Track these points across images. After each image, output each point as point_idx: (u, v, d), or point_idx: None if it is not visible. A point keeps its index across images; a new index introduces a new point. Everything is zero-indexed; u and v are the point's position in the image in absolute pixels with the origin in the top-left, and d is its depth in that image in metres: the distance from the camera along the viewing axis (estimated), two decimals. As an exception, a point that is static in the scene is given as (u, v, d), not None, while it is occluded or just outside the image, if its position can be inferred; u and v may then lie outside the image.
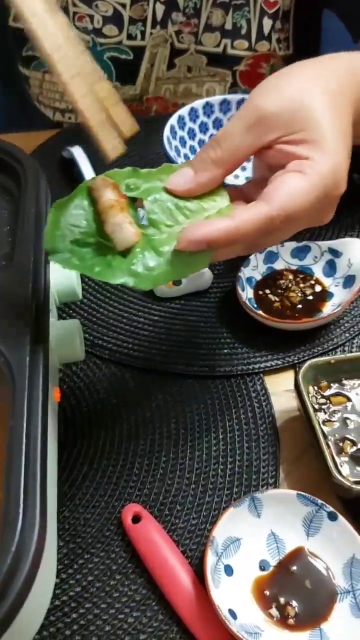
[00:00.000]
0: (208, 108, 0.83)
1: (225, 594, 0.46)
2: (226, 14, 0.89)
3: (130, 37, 0.90)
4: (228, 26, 0.90)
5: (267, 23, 0.90)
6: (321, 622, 0.47)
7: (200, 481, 0.55)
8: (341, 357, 0.58)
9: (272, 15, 0.90)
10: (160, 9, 0.88)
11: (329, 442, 0.54)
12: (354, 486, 0.49)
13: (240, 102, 0.83)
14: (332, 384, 0.58)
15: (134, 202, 0.46)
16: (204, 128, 0.83)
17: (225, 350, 0.65)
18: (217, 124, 0.84)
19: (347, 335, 0.66)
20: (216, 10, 0.89)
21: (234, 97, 0.83)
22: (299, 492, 0.50)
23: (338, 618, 0.46)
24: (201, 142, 0.83)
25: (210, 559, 0.47)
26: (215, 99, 0.83)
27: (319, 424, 0.54)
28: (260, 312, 0.66)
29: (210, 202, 0.47)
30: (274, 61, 0.95)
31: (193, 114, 0.82)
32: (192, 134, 0.82)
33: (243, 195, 0.50)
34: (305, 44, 0.98)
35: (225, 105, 0.83)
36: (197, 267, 0.44)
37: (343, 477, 0.51)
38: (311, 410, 0.54)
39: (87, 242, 0.43)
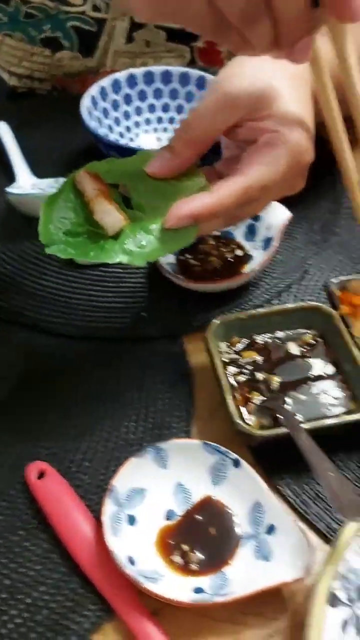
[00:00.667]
0: (131, 80, 0.83)
1: (126, 542, 0.46)
2: None
3: (95, 8, 0.90)
4: None
5: None
6: (224, 566, 0.47)
7: (112, 439, 0.55)
8: (251, 312, 0.59)
9: None
10: None
11: (236, 394, 0.55)
12: (254, 431, 0.50)
13: (164, 74, 0.83)
14: (242, 339, 0.59)
15: (117, 189, 0.50)
16: (128, 99, 0.83)
17: (144, 314, 0.65)
18: (142, 95, 0.84)
19: (265, 296, 0.67)
20: None
21: (157, 69, 0.83)
22: (204, 442, 0.50)
23: (240, 561, 0.47)
24: (126, 114, 0.83)
25: (109, 508, 0.46)
26: (139, 71, 0.83)
27: (226, 376, 0.54)
28: (179, 275, 0.66)
29: (187, 181, 0.50)
30: None
31: (116, 85, 0.82)
32: (115, 105, 0.82)
33: (217, 174, 0.53)
34: None
35: (148, 78, 0.83)
36: (185, 241, 0.48)
37: (248, 425, 0.51)
38: (217, 362, 0.54)
39: (78, 231, 0.48)
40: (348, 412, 0.53)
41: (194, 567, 0.46)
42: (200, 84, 0.82)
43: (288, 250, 0.71)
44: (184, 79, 0.83)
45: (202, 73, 0.82)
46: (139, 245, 0.47)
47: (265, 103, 0.49)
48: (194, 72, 0.83)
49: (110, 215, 0.47)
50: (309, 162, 0.52)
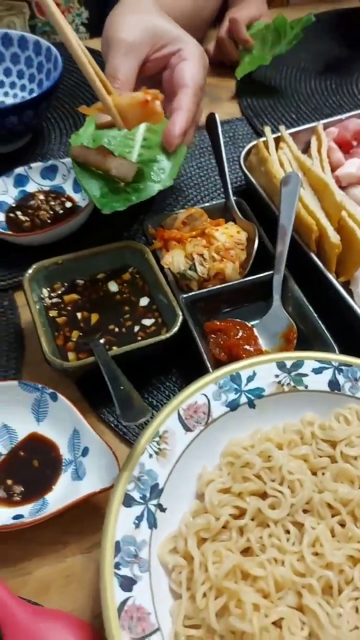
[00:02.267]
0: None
1: None
2: None
3: None
4: None
5: None
6: (46, 493, 0.49)
7: None
8: (67, 256, 0.61)
9: None
10: None
11: (57, 334, 0.57)
12: (65, 364, 0.52)
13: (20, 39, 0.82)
14: (65, 284, 0.61)
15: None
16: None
17: (-27, 273, 0.66)
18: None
19: (94, 243, 0.68)
20: None
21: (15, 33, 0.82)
22: (21, 381, 0.53)
23: (61, 486, 0.49)
24: None
25: None
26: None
27: (45, 320, 0.57)
28: (8, 232, 0.67)
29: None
30: None
31: None
32: None
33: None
34: None
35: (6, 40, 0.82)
36: (183, 153, 0.58)
37: (66, 360, 0.54)
38: (33, 307, 0.56)
39: (105, 192, 0.56)
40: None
41: (17, 498, 0.49)
42: (23, 45, 0.81)
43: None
44: (7, 40, 0.82)
45: (22, 33, 0.82)
46: (161, 173, 0.56)
47: (157, 38, 0.63)
48: (15, 33, 0.82)
49: (124, 166, 0.55)
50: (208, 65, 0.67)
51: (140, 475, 0.45)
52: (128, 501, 0.43)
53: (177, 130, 0.57)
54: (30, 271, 0.59)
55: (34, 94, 0.82)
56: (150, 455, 0.46)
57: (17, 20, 0.97)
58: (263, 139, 0.71)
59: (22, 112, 0.71)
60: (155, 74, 0.65)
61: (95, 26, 1.03)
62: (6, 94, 0.84)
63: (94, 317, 0.59)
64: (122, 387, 0.47)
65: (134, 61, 0.62)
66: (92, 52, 0.54)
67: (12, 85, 0.84)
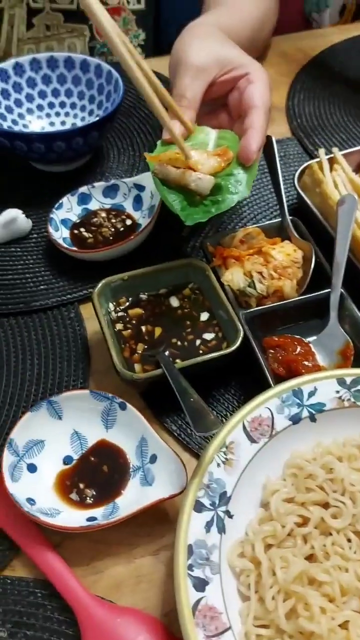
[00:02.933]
0: (18, 68, 0.86)
1: (26, 487, 0.51)
2: None
3: None
4: None
5: None
6: (116, 497, 0.53)
7: (14, 402, 0.60)
8: (132, 272, 0.64)
9: None
10: None
11: (124, 347, 0.60)
12: (135, 376, 0.55)
13: (50, 60, 0.86)
14: (129, 299, 0.64)
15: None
16: (17, 88, 0.86)
17: (42, 287, 0.70)
18: (31, 83, 0.87)
19: (154, 260, 0.72)
20: None
21: (42, 56, 0.86)
22: (92, 390, 0.56)
23: (130, 490, 0.53)
24: (17, 101, 0.86)
25: (7, 458, 0.52)
26: (25, 59, 0.86)
27: (112, 333, 0.60)
28: (73, 248, 0.71)
29: (202, 134, 0.64)
30: (125, 15, 1.00)
31: (3, 75, 0.85)
32: (5, 94, 0.85)
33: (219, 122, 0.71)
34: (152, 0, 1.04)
35: (35, 65, 0.87)
36: (256, 167, 0.62)
37: (133, 372, 0.57)
38: (102, 319, 0.60)
39: (184, 205, 0.59)
40: (221, 351, 0.59)
41: (89, 501, 0.52)
42: (85, 67, 0.86)
43: (176, 216, 0.77)
44: (69, 63, 0.87)
45: (85, 57, 0.86)
46: (238, 185, 0.60)
47: (225, 62, 0.68)
48: (78, 57, 0.86)
49: (202, 180, 0.58)
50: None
51: (209, 483, 0.47)
52: (199, 507, 0.46)
53: (254, 146, 0.61)
54: (99, 286, 0.62)
55: (95, 115, 0.86)
56: (218, 465, 0.48)
57: (78, 42, 1.02)
58: (316, 160, 0.74)
59: (87, 134, 0.75)
60: (220, 96, 0.69)
61: (150, 47, 1.07)
62: (67, 114, 0.89)
63: (158, 331, 0.62)
64: (192, 399, 0.50)
65: (201, 83, 0.66)
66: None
67: (73, 105, 0.88)
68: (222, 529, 0.46)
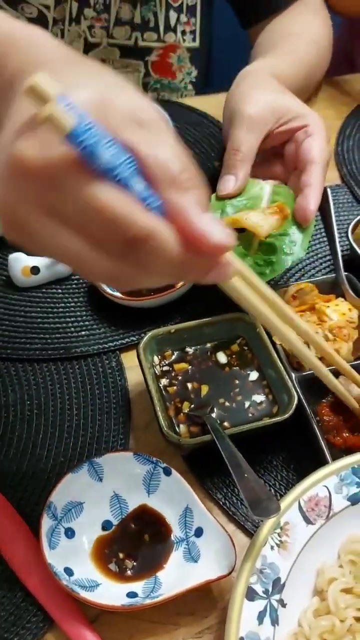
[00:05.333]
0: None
1: (63, 554, 0.49)
2: (134, 8, 0.94)
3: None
4: (137, 20, 0.95)
5: (173, 16, 0.97)
6: (158, 570, 0.49)
7: (51, 456, 0.57)
8: (180, 325, 0.62)
9: (176, 8, 0.96)
10: (74, 6, 0.92)
11: (169, 404, 0.57)
12: (181, 440, 0.52)
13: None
14: (175, 352, 0.62)
15: None
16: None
17: (83, 332, 0.67)
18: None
19: (199, 309, 0.69)
20: (124, 5, 0.93)
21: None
22: (136, 452, 0.53)
23: (172, 564, 0.49)
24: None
25: (46, 523, 0.49)
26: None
27: (157, 389, 0.57)
28: (116, 293, 0.68)
29: (255, 188, 0.64)
30: (180, 52, 1.00)
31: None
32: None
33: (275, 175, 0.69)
34: (207, 37, 1.04)
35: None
36: (313, 226, 0.62)
37: (178, 434, 0.54)
38: (148, 375, 0.57)
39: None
40: (271, 416, 0.56)
41: (129, 573, 0.49)
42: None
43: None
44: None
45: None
46: (292, 245, 0.59)
47: (281, 114, 0.66)
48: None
49: (267, 219, 0.58)
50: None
51: (262, 567, 0.44)
52: (251, 595, 0.43)
53: (312, 205, 0.60)
54: (145, 339, 0.60)
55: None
56: (272, 547, 0.45)
57: (132, 77, 1.01)
58: (372, 212, 0.71)
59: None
60: (276, 146, 0.68)
61: (200, 83, 1.06)
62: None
63: (204, 389, 0.59)
64: (247, 476, 0.47)
65: (257, 135, 0.65)
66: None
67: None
68: (275, 621, 0.43)
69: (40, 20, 0.91)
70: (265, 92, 0.69)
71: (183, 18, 0.97)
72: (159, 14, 0.95)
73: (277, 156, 0.69)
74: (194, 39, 1.00)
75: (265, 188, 0.64)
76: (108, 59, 0.97)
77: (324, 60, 0.93)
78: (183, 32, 0.99)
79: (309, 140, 0.64)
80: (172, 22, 0.97)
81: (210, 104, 0.99)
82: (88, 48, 0.96)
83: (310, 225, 0.61)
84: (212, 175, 0.84)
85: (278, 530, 0.46)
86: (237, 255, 0.57)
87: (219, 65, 1.16)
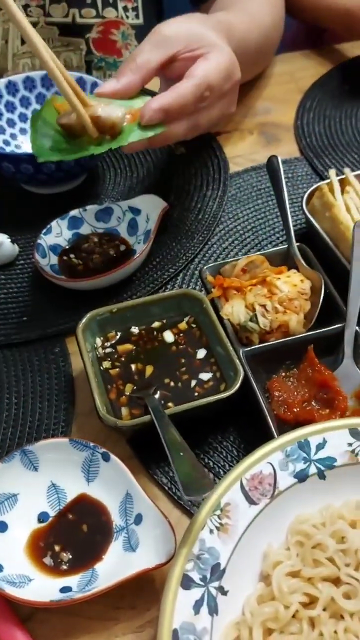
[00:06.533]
0: (12, 87, 0.82)
1: (-7, 550, 0.45)
2: None
3: None
4: None
5: None
6: (95, 562, 0.46)
7: (-11, 447, 0.54)
8: (122, 304, 0.58)
9: None
10: None
11: (110, 387, 0.54)
12: (119, 423, 0.49)
13: (43, 77, 0.82)
14: (118, 333, 0.58)
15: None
16: (10, 107, 0.82)
17: (25, 318, 0.64)
18: (24, 102, 0.83)
19: (148, 289, 0.66)
20: None
21: (37, 74, 0.82)
22: (72, 439, 0.50)
23: (111, 555, 0.46)
24: (10, 121, 0.82)
25: (-27, 517, 0.45)
26: (18, 77, 0.82)
27: (97, 371, 0.54)
28: (61, 276, 0.65)
29: (138, 101, 0.59)
30: (124, 29, 0.97)
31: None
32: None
33: None
34: (152, 14, 1.01)
35: (29, 83, 0.83)
36: (157, 132, 0.57)
37: (120, 418, 0.51)
38: (85, 357, 0.54)
39: (60, 148, 0.56)
40: (218, 394, 0.52)
41: (64, 567, 0.46)
42: (80, 84, 0.81)
43: (172, 242, 0.71)
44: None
45: (80, 74, 0.81)
46: (117, 138, 0.56)
47: (193, 39, 0.63)
48: (73, 74, 0.81)
49: (109, 107, 0.55)
50: (238, 81, 0.67)
51: (200, 553, 0.41)
52: (187, 583, 0.40)
53: (156, 104, 0.56)
54: (84, 320, 0.56)
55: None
56: (211, 531, 0.42)
57: (74, 56, 0.98)
58: (327, 181, 0.68)
59: (78, 154, 0.70)
60: (176, 78, 0.63)
61: None
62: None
63: (149, 370, 0.56)
64: (181, 454, 0.43)
65: (159, 53, 0.62)
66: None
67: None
68: (214, 610, 0.39)
69: None
70: (186, 20, 0.66)
71: None
72: None
73: None
74: (137, 16, 0.97)
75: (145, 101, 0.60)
76: (47, 38, 0.94)
77: (279, 24, 0.90)
78: (125, 9, 0.96)
79: (199, 60, 0.62)
80: None
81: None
82: None
83: (151, 129, 0.57)
84: (174, 159, 0.82)
85: (218, 512, 0.42)
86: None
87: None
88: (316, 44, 1.18)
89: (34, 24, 0.92)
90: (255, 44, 0.80)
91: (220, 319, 0.57)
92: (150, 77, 0.62)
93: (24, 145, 0.82)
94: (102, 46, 0.97)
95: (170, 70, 0.63)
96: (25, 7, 0.91)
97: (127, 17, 0.96)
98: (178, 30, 0.63)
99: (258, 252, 0.63)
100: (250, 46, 0.76)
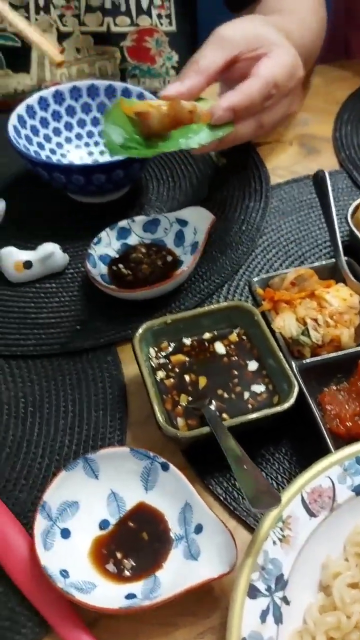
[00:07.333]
0: (58, 96, 0.83)
1: (59, 555, 0.47)
2: None
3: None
4: (107, 5, 0.93)
5: None
6: (156, 569, 0.47)
7: (47, 454, 0.56)
8: (176, 316, 0.60)
9: None
10: None
11: (166, 397, 0.56)
12: (179, 434, 0.51)
13: (89, 87, 0.84)
14: (171, 343, 0.60)
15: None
16: (56, 116, 0.84)
17: (78, 327, 0.66)
18: (70, 111, 0.84)
19: (196, 299, 0.68)
20: None
21: (83, 84, 0.84)
22: (132, 448, 0.51)
23: (171, 563, 0.47)
24: (56, 130, 0.84)
25: (40, 523, 0.47)
26: (65, 87, 0.83)
27: (154, 382, 0.55)
28: (112, 286, 0.67)
29: (206, 104, 0.60)
30: (158, 36, 0.98)
31: (43, 102, 0.82)
32: (44, 122, 0.83)
33: None
34: (185, 21, 1.02)
35: (75, 93, 0.84)
36: (227, 132, 0.59)
37: (176, 427, 0.53)
38: (144, 368, 0.55)
39: (129, 145, 0.58)
40: (271, 407, 0.54)
41: (127, 573, 0.47)
42: (126, 95, 0.83)
43: (217, 253, 0.73)
44: (110, 91, 0.84)
45: (126, 85, 0.83)
46: (191, 134, 0.57)
47: (255, 40, 0.64)
48: (119, 85, 0.83)
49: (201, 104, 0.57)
50: (301, 79, 0.68)
51: (264, 564, 0.42)
52: (253, 593, 0.41)
53: (225, 104, 0.56)
54: (140, 331, 0.58)
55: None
56: (274, 542, 0.43)
57: (109, 64, 0.99)
58: (372, 195, 0.69)
59: (128, 166, 0.72)
60: (245, 76, 0.64)
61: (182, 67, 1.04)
62: (96, 144, 0.85)
63: (202, 381, 0.57)
64: (245, 467, 0.45)
65: (222, 54, 0.62)
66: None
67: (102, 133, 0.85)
68: (279, 619, 0.41)
69: None
70: (246, 21, 0.67)
71: (157, 1, 0.95)
72: None
73: None
74: (170, 23, 0.98)
75: (210, 104, 0.61)
76: (82, 47, 0.95)
77: (323, 32, 0.91)
78: (159, 16, 0.97)
79: (264, 59, 0.62)
80: (144, 5, 0.95)
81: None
82: (61, 37, 0.94)
83: (221, 129, 0.58)
84: (215, 171, 0.83)
85: (280, 524, 0.44)
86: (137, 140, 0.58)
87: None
88: (349, 55, 1.19)
89: (69, 34, 0.94)
90: (307, 50, 0.81)
91: (272, 331, 0.58)
92: (214, 79, 0.62)
93: (70, 154, 0.84)
94: (136, 54, 0.99)
95: (232, 72, 0.64)
96: (61, 17, 0.93)
97: (161, 24, 0.97)
98: (239, 31, 0.64)
99: (305, 265, 0.64)
100: (303, 52, 0.76)
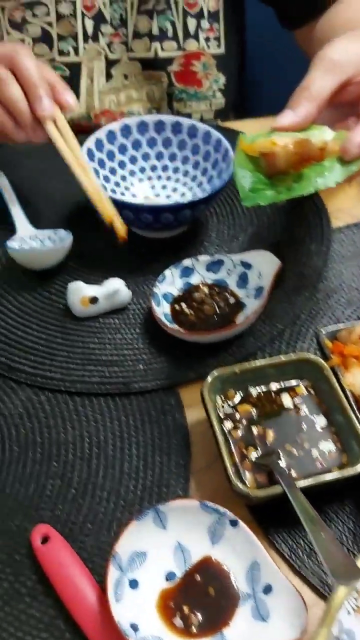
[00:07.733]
0: (126, 130, 0.85)
1: (128, 607, 0.47)
2: (151, 19, 0.94)
3: (62, 53, 0.93)
4: (155, 31, 0.95)
5: (192, 22, 0.96)
6: (223, 627, 0.48)
7: (112, 499, 0.56)
8: (245, 365, 0.60)
9: (195, 15, 0.95)
10: (89, 24, 0.92)
11: (233, 450, 0.56)
12: (251, 493, 0.51)
13: (158, 123, 0.85)
14: (238, 393, 0.60)
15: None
16: (122, 149, 0.85)
17: (141, 366, 0.66)
18: (136, 145, 0.85)
19: (258, 344, 0.68)
20: (141, 17, 0.93)
21: (150, 118, 0.85)
22: (202, 502, 0.52)
23: (239, 621, 0.48)
24: (121, 163, 0.85)
25: (113, 574, 0.48)
26: (133, 120, 0.84)
27: (222, 433, 0.56)
28: (175, 326, 0.67)
29: (317, 131, 0.60)
30: (205, 59, 0.99)
31: (111, 136, 0.84)
32: (111, 155, 0.84)
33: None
34: (234, 42, 1.02)
35: (142, 127, 0.85)
36: (356, 166, 0.58)
37: (244, 483, 0.53)
38: (214, 419, 0.56)
39: (258, 187, 0.59)
40: (340, 466, 0.54)
41: (194, 629, 0.48)
42: (192, 132, 0.84)
43: (279, 297, 0.73)
44: (177, 127, 0.85)
45: (193, 122, 0.84)
46: (325, 172, 0.56)
47: None
48: (186, 121, 0.84)
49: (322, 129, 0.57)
50: None
51: (339, 634, 0.42)
52: (329, 666, 0.41)
53: (357, 138, 0.55)
54: (209, 379, 0.58)
55: (198, 181, 0.84)
56: (349, 612, 0.43)
57: (156, 89, 1.00)
58: None
59: (195, 206, 0.72)
60: (355, 101, 0.63)
61: (231, 90, 1.04)
62: (169, 179, 0.86)
63: (269, 434, 0.57)
64: (323, 535, 0.45)
65: (333, 79, 0.60)
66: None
67: (175, 170, 0.86)
68: None
69: (44, 37, 0.91)
70: (352, 41, 0.64)
71: (205, 24, 0.96)
72: (177, 22, 0.95)
73: (355, 111, 0.64)
74: (218, 45, 0.99)
75: (326, 133, 0.60)
76: (130, 73, 0.96)
77: None
78: (207, 39, 0.97)
79: None
80: (192, 29, 0.96)
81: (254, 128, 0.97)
82: (109, 65, 0.96)
83: (354, 164, 0.56)
84: (276, 210, 0.83)
85: (355, 594, 0.44)
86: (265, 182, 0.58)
87: (251, 71, 1.15)
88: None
89: (117, 61, 0.95)
90: None
91: (342, 386, 0.58)
92: (325, 105, 0.61)
93: (133, 188, 0.85)
94: (183, 78, 1.00)
95: (342, 96, 0.62)
96: (109, 45, 0.95)
97: (209, 47, 0.98)
98: (347, 53, 0.62)
99: (373, 319, 0.64)
100: None
